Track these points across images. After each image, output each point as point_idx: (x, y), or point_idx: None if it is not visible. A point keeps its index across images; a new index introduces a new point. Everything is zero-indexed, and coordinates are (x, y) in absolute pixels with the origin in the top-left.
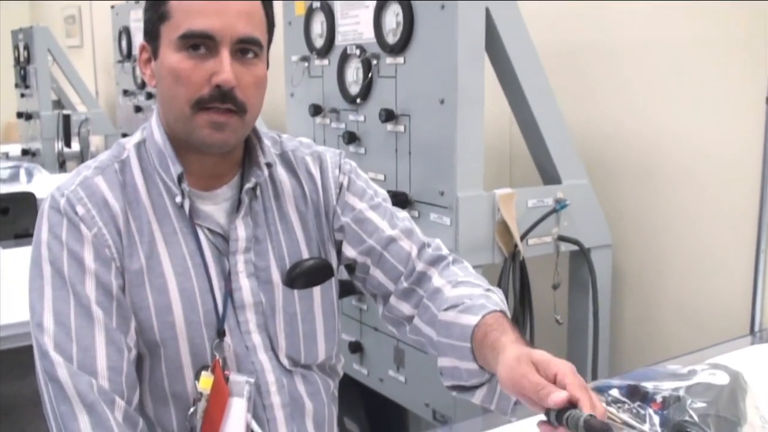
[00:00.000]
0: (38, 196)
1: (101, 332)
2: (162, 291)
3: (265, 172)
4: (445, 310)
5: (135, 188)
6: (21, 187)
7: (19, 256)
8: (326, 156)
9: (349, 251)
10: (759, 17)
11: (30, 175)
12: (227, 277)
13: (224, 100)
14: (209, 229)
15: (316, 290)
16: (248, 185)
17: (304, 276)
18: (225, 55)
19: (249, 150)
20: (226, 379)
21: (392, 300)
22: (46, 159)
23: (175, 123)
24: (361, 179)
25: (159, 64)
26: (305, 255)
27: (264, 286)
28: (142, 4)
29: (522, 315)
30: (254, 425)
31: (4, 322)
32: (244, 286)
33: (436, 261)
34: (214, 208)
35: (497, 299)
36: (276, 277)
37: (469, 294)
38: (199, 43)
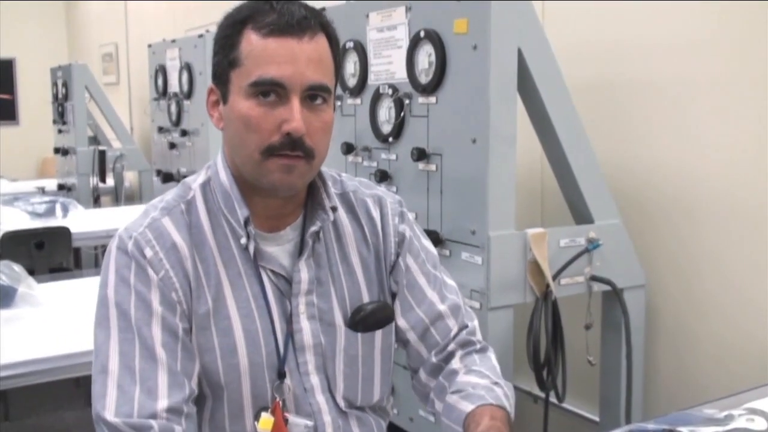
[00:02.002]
0: (73, 230)
1: (164, 373)
2: (228, 333)
3: (331, 216)
4: (452, 393)
5: (201, 229)
6: (57, 221)
7: (54, 290)
8: (387, 201)
9: (398, 317)
10: None
11: (65, 209)
12: (288, 319)
13: (294, 148)
14: (272, 271)
15: (378, 333)
16: (313, 228)
17: (368, 319)
18: (295, 103)
19: (312, 192)
20: (286, 421)
21: (421, 373)
22: (81, 194)
23: (243, 167)
24: (417, 237)
25: (228, 109)
26: (366, 297)
27: (326, 328)
28: (179, 41)
29: (554, 356)
30: None
31: (39, 356)
32: (305, 327)
33: (465, 344)
34: (278, 249)
35: (499, 393)
36: (339, 319)
37: (475, 383)
38: (269, 90)
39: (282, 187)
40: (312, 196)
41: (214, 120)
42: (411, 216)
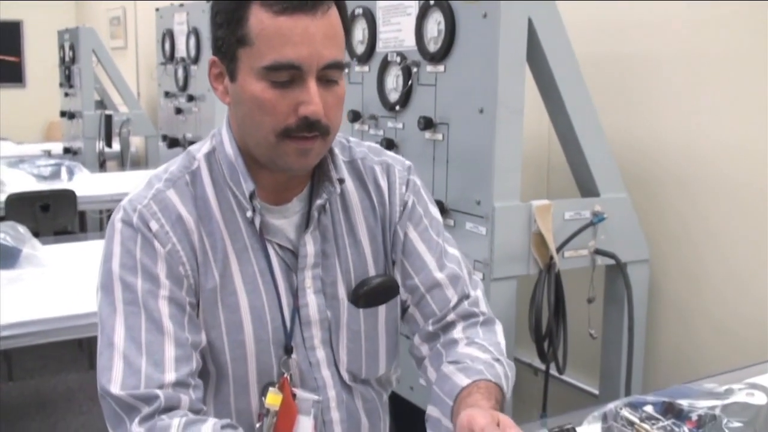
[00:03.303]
0: (78, 193)
1: (171, 346)
2: (234, 309)
3: (338, 188)
4: (449, 362)
5: (206, 201)
6: (62, 184)
7: (58, 252)
8: (395, 169)
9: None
10: None
11: (71, 173)
12: (295, 293)
13: (311, 129)
14: (279, 245)
15: (381, 308)
16: (319, 201)
17: (370, 295)
18: (312, 84)
19: (320, 162)
20: (294, 396)
21: (416, 339)
22: (87, 158)
23: (256, 148)
24: (422, 203)
25: (238, 87)
26: (372, 270)
27: (330, 301)
28: (187, 5)
29: (556, 328)
30: None
31: (43, 317)
32: (311, 302)
33: (468, 316)
34: (284, 222)
35: (499, 371)
36: (342, 293)
37: (475, 356)
38: (284, 72)
39: (298, 170)
40: (320, 167)
41: (219, 94)
42: (419, 181)
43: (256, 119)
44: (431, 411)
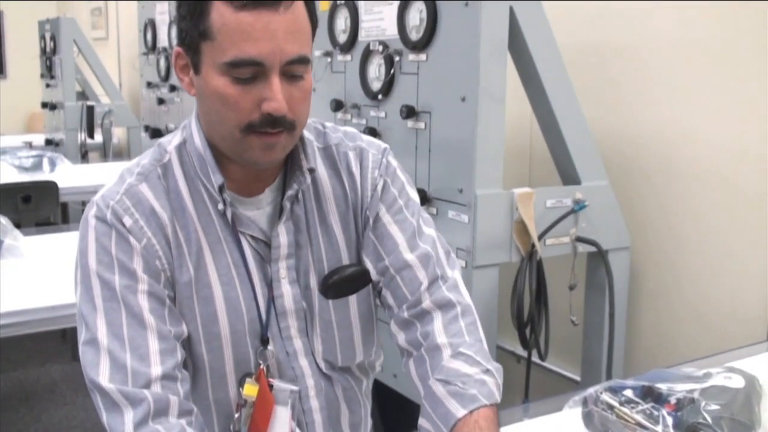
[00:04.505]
0: (60, 185)
1: (155, 340)
2: (209, 302)
3: (308, 178)
4: (438, 379)
5: (179, 194)
6: (44, 176)
7: (40, 243)
8: (369, 153)
9: (368, 266)
10: None
11: (53, 164)
12: (269, 284)
13: (275, 125)
14: (252, 236)
15: (352, 298)
16: (290, 192)
17: (339, 285)
18: (275, 81)
19: (291, 151)
20: (270, 387)
21: (392, 325)
22: (68, 149)
23: (222, 142)
24: (397, 183)
25: (202, 81)
26: (345, 259)
27: (304, 292)
28: None
29: (537, 315)
30: None
31: (25, 307)
32: (286, 292)
33: (445, 306)
34: (257, 213)
35: (492, 386)
36: (313, 283)
37: (466, 375)
38: (246, 69)
39: (264, 163)
40: (291, 156)
41: (185, 85)
42: (395, 162)
43: (220, 114)
44: (423, 424)
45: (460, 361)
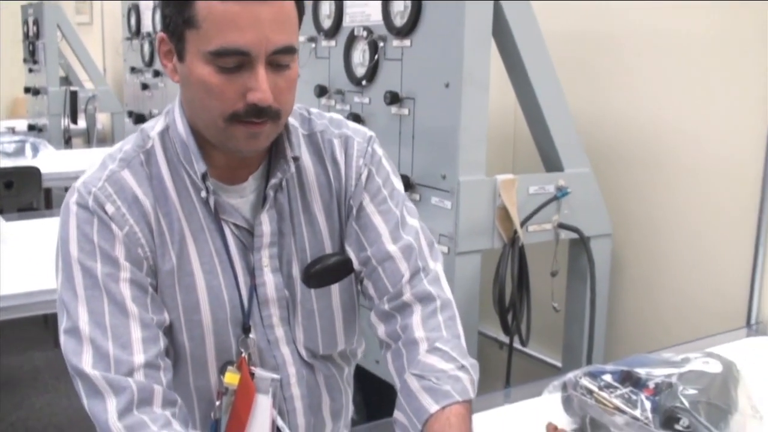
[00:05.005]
0: (43, 171)
1: (137, 328)
2: (191, 290)
3: (292, 167)
4: (413, 374)
5: (161, 181)
6: (26, 161)
7: (22, 229)
8: (354, 141)
9: (350, 255)
10: (767, 11)
11: (35, 150)
12: (252, 273)
13: (260, 115)
14: (235, 224)
15: (334, 287)
16: (274, 181)
17: (321, 274)
18: (260, 71)
19: (276, 140)
20: (252, 375)
21: (372, 317)
22: (52, 135)
23: (206, 130)
24: (382, 173)
25: (186, 68)
26: (328, 248)
27: (287, 280)
28: None
29: (519, 301)
30: (279, 421)
31: (7, 293)
32: (269, 281)
33: (425, 299)
34: (240, 201)
35: (466, 383)
36: (296, 271)
37: (441, 371)
38: (231, 58)
39: (248, 152)
40: (276, 143)
41: (168, 71)
42: (380, 151)
43: (204, 102)
44: (397, 416)
45: (436, 357)
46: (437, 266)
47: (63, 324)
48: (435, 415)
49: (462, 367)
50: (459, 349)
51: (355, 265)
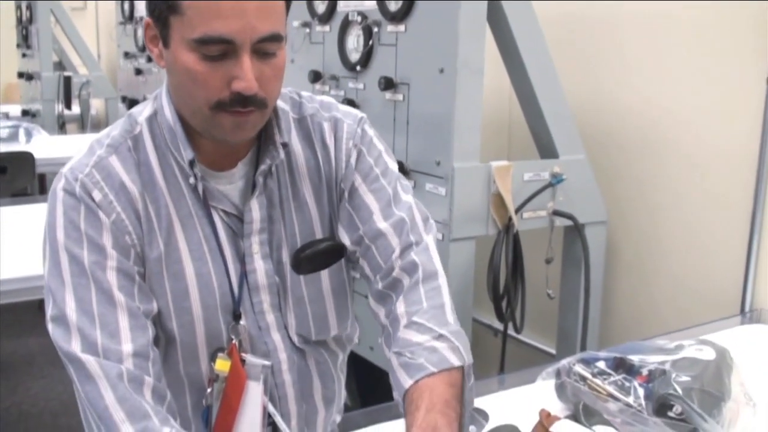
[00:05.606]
0: (37, 156)
1: (125, 316)
2: (179, 277)
3: (281, 153)
4: (394, 352)
5: (149, 167)
6: (20, 146)
7: (16, 214)
8: (344, 124)
9: (344, 237)
10: None
11: (29, 135)
12: (242, 259)
13: (246, 104)
14: (224, 211)
15: (324, 273)
16: (263, 167)
17: (311, 260)
18: (245, 59)
19: (265, 125)
20: (243, 362)
21: (371, 302)
22: (46, 120)
23: (191, 117)
24: (373, 152)
25: (171, 55)
26: (318, 233)
27: (277, 266)
28: None
29: (514, 288)
30: (270, 408)
31: (0, 278)
32: (259, 267)
33: (410, 270)
34: (229, 187)
35: (443, 351)
36: (286, 257)
37: (416, 344)
38: (215, 46)
39: (234, 140)
40: (265, 129)
41: (155, 57)
42: (371, 131)
43: (189, 90)
44: (394, 395)
45: (412, 331)
46: (428, 238)
47: (50, 311)
48: (409, 390)
49: (440, 336)
50: (437, 319)
51: (349, 246)
